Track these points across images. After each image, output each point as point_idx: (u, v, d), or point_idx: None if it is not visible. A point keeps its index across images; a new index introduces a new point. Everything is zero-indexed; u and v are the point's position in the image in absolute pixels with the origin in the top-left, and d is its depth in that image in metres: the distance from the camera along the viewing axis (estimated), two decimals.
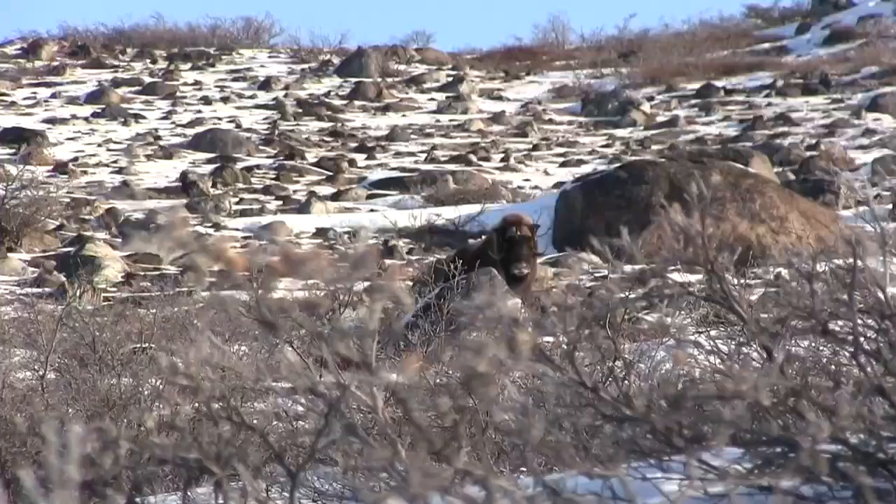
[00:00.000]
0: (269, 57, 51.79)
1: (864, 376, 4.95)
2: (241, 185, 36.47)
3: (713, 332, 7.66)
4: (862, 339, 5.13)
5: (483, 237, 24.24)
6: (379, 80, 47.48)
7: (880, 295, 5.12)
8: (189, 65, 49.35)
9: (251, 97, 45.86)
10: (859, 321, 5.20)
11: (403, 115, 43.92)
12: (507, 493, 3.70)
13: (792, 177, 33.08)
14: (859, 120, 40.05)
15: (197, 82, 47.21)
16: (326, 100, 45.30)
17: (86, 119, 42.49)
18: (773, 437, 4.79)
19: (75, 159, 38.56)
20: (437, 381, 10.39)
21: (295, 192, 35.94)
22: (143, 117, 43.00)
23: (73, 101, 45.25)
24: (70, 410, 11.24)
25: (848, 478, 4.53)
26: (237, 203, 34.13)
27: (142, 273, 28.04)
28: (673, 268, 6.93)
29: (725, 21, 53.79)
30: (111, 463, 5.04)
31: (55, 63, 48.51)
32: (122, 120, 42.26)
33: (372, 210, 34.33)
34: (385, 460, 4.18)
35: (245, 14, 53.67)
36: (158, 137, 40.39)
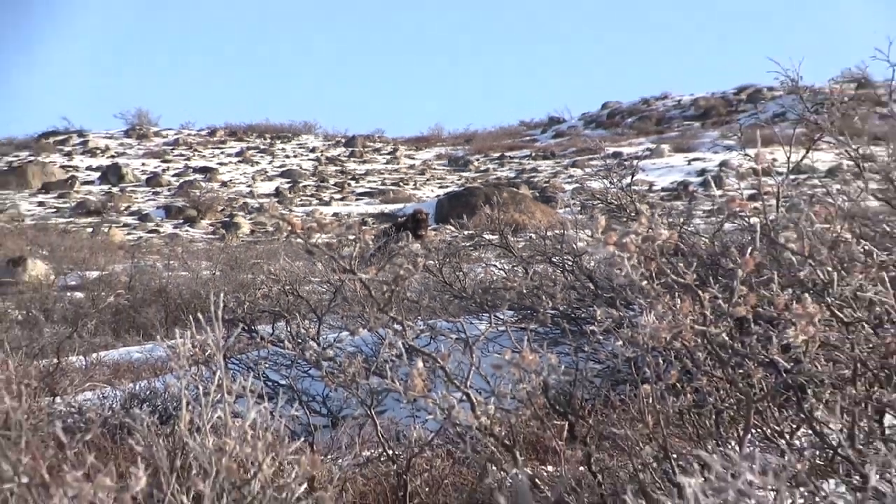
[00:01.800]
0: (315, 138, 50.99)
1: (567, 281, 4.89)
2: (301, 194, 35.99)
3: (503, 261, 7.49)
4: (565, 264, 5.09)
5: (405, 218, 24.27)
6: (361, 149, 46.78)
7: (574, 246, 5.07)
8: (280, 141, 48.56)
9: (306, 156, 45.22)
10: (565, 257, 5.18)
11: (372, 165, 43.48)
12: (411, 328, 3.55)
13: (538, 195, 33.10)
14: (567, 171, 39.98)
15: (283, 148, 46.37)
16: (339, 158, 44.78)
17: (234, 164, 42.03)
18: (527, 306, 4.75)
19: (230, 180, 38.01)
20: (383, 278, 10.32)
21: (324, 196, 35.53)
22: (259, 163, 42.35)
23: (228, 155, 44.39)
24: (225, 288, 11.12)
25: (559, 325, 4.47)
26: (300, 201, 33.97)
27: (258, 230, 27.98)
28: (485, 233, 6.84)
29: (511, 127, 53.52)
30: (241, 311, 4.88)
31: (222, 139, 47.70)
32: (250, 164, 41.72)
33: (357, 205, 34.25)
34: (358, 312, 4.03)
35: (304, 119, 52.75)
36: (265, 172, 39.84)
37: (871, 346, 3.21)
